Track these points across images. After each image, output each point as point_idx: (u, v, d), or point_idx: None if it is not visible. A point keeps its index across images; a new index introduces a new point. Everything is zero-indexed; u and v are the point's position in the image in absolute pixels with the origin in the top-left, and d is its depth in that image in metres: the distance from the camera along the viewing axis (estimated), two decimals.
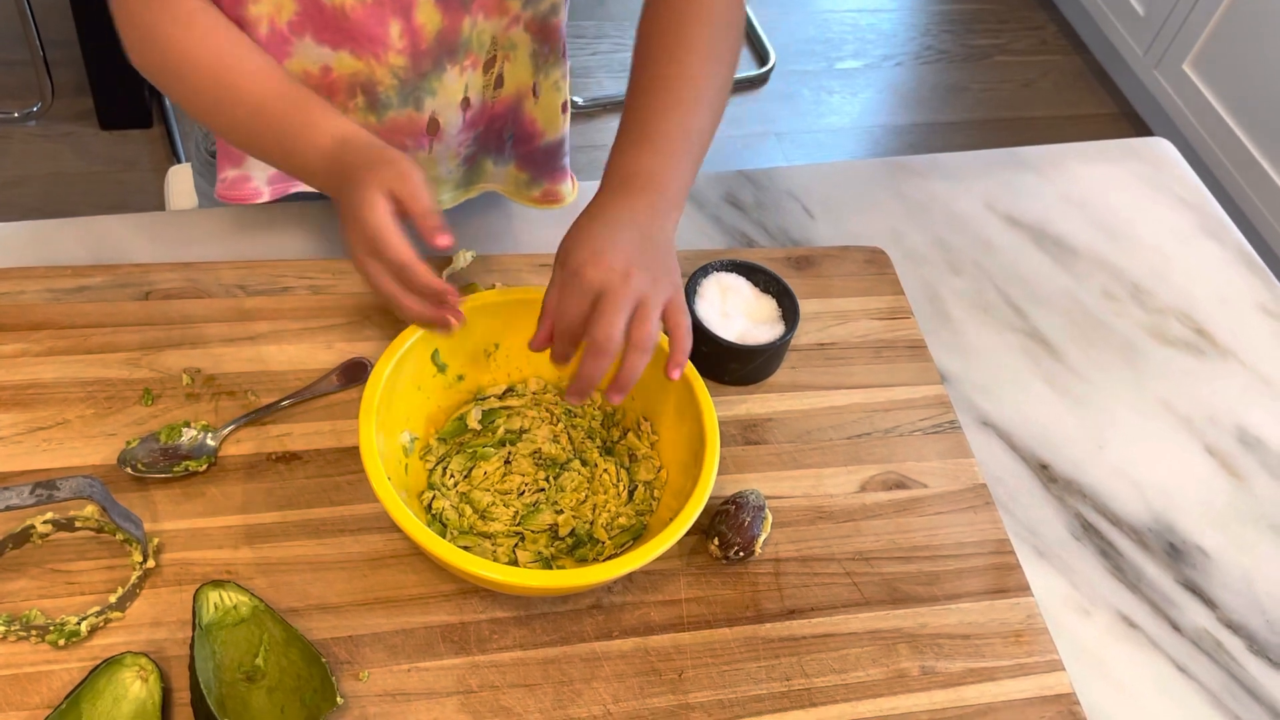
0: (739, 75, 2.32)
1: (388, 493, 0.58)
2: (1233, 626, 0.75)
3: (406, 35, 0.72)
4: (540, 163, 0.84)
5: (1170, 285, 0.96)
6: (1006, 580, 0.71)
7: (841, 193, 0.96)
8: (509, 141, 0.83)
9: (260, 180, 0.76)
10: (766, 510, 0.68)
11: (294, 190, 0.79)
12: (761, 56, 2.37)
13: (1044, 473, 0.81)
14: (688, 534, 0.67)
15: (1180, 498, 0.82)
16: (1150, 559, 0.78)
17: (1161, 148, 1.08)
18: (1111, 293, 0.94)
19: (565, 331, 0.61)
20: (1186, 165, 1.07)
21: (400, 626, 0.62)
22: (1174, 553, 0.79)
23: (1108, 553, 0.78)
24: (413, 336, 0.65)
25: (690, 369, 0.66)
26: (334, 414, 0.70)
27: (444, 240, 0.58)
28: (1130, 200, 1.02)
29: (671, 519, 0.61)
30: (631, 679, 0.63)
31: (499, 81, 0.79)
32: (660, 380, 0.67)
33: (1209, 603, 0.76)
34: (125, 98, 1.93)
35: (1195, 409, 0.87)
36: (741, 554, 0.67)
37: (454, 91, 0.77)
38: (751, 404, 0.76)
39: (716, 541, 0.67)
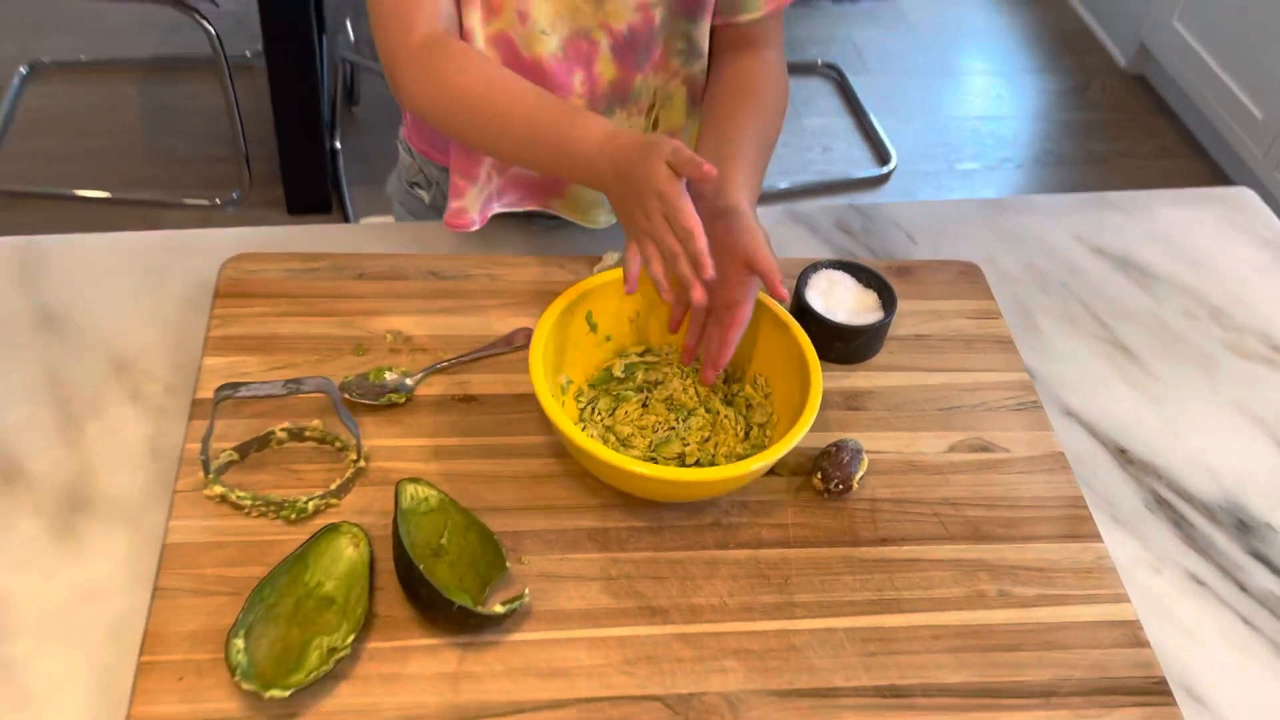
0: (860, 174, 2.47)
1: (553, 407, 0.72)
2: None
3: (586, 84, 0.89)
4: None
5: (1249, 309, 1.05)
6: (1079, 529, 0.81)
7: (940, 223, 1.09)
8: None
9: (474, 213, 0.93)
10: (864, 454, 0.80)
11: (492, 214, 0.96)
12: (883, 157, 2.52)
13: (1121, 455, 0.91)
14: (794, 474, 0.79)
15: (1251, 482, 0.90)
16: (1220, 531, 0.86)
17: (1244, 195, 1.18)
18: (1191, 313, 1.04)
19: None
20: (1270, 211, 1.17)
21: (555, 527, 0.76)
22: (1243, 528, 0.87)
23: (1179, 523, 0.86)
24: (571, 299, 0.80)
25: (799, 331, 0.80)
26: (504, 369, 0.85)
27: (714, 170, 0.72)
28: (1212, 238, 1.12)
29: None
30: (744, 580, 0.75)
31: (655, 124, 0.96)
32: (774, 343, 0.80)
33: (1276, 570, 0.84)
34: (310, 186, 2.19)
35: (1268, 411, 0.95)
36: (840, 487, 0.79)
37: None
38: (854, 379, 0.89)
39: (819, 476, 0.79)
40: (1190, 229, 1.13)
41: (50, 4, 2.54)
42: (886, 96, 2.74)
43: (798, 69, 2.72)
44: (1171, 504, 0.87)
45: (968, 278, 0.99)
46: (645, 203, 0.74)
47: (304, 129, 2.10)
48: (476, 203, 0.92)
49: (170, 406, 0.82)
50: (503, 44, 0.86)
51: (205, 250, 0.93)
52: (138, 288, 0.91)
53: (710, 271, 0.72)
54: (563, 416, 0.72)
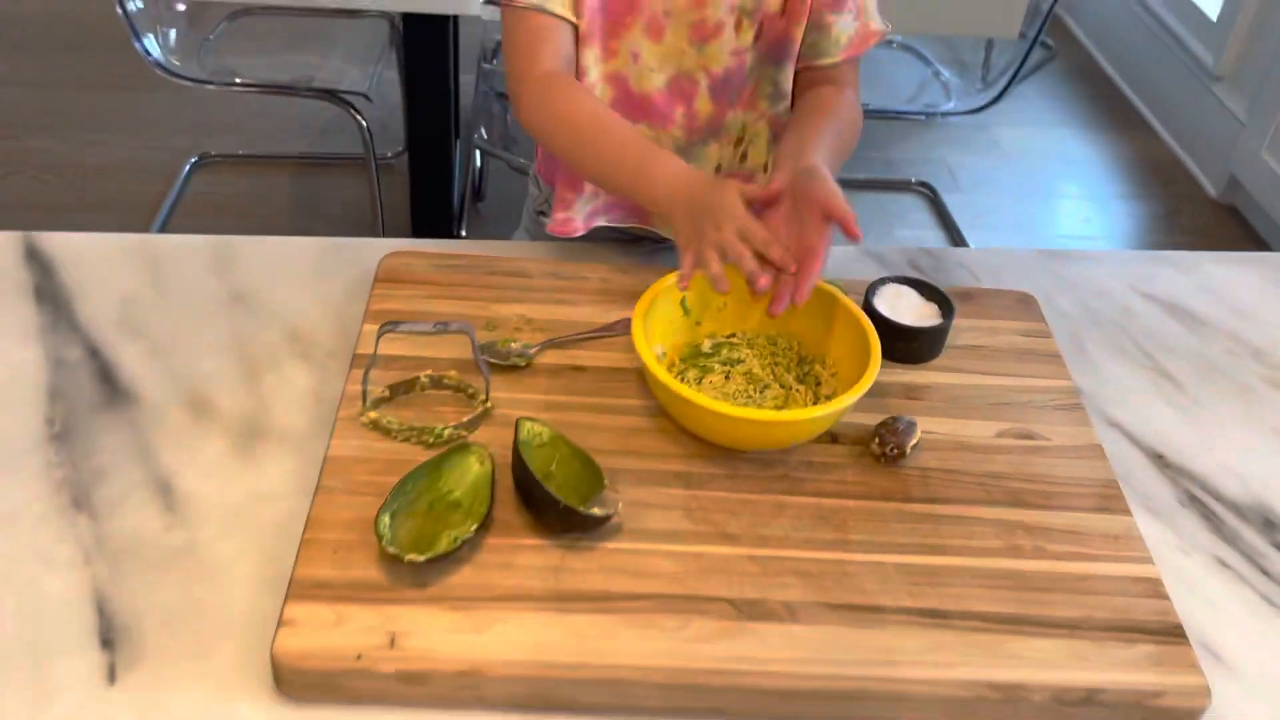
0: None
1: (651, 360, 0.86)
2: None
3: (686, 117, 1.06)
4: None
5: None
6: (1111, 504, 0.91)
7: (1003, 266, 1.21)
8: None
9: (578, 221, 1.10)
10: (917, 428, 0.92)
11: (595, 226, 1.12)
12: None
13: (1158, 460, 1.00)
14: (855, 443, 0.92)
15: None
16: (1246, 525, 0.95)
17: None
18: (1234, 351, 1.14)
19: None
20: None
21: (645, 468, 0.89)
22: (1270, 525, 0.95)
23: (1209, 517, 0.95)
24: (666, 283, 0.95)
25: (866, 322, 0.93)
26: (608, 348, 0.99)
27: (780, 187, 0.90)
28: (1258, 293, 1.23)
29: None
30: (807, 519, 0.86)
31: (743, 157, 1.12)
32: (844, 332, 0.94)
33: None
34: (437, 215, 2.38)
35: None
36: (895, 452, 0.90)
37: (711, 160, 1.11)
38: (913, 376, 1.01)
39: (877, 440, 0.91)
40: (1238, 285, 1.24)
41: (222, 106, 2.86)
42: (978, 215, 2.88)
43: (892, 185, 2.89)
44: (1202, 501, 0.97)
45: (1023, 304, 1.11)
46: (718, 221, 0.89)
47: (437, 221, 2.32)
48: (580, 214, 1.09)
49: (331, 366, 0.99)
50: (616, 80, 1.03)
51: (366, 251, 1.11)
52: (309, 278, 1.09)
53: (794, 267, 0.87)
54: (659, 367, 0.86)
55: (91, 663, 0.76)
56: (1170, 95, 3.27)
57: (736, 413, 0.85)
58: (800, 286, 0.90)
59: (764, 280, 0.87)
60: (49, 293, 1.04)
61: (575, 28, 1.01)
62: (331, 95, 2.24)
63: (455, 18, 2.20)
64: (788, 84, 1.07)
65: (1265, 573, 0.91)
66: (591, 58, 1.03)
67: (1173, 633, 0.81)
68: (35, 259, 1.08)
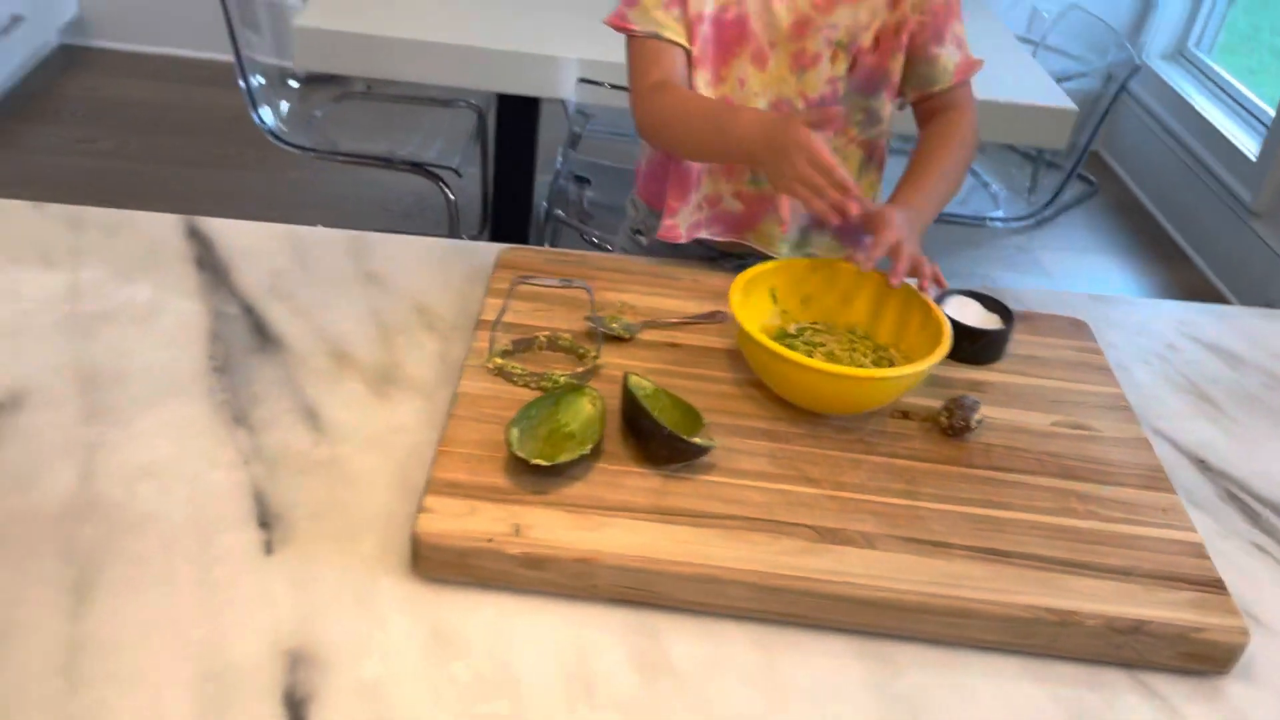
0: None
1: (749, 321, 0.98)
2: None
3: None
4: (851, 237, 1.27)
5: None
6: (1157, 484, 1.00)
7: (1056, 304, 1.32)
8: None
9: (682, 229, 1.24)
10: (981, 406, 1.02)
11: (696, 237, 1.26)
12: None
13: (1200, 464, 1.09)
14: (924, 420, 1.02)
15: None
16: None
17: None
18: (1269, 385, 1.24)
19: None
20: None
21: (737, 424, 0.99)
22: None
23: (1247, 511, 1.04)
24: (760, 272, 1.07)
25: (941, 316, 1.04)
26: (701, 332, 1.11)
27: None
28: None
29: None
30: (881, 474, 0.96)
31: None
32: (918, 323, 1.05)
33: None
34: (516, 225, 2.52)
35: None
36: (961, 424, 1.00)
37: None
38: (976, 375, 1.11)
39: (945, 414, 1.01)
40: (1273, 335, 1.34)
41: (312, 187, 3.06)
42: None
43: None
44: (1242, 499, 1.05)
45: (1075, 327, 1.22)
46: (791, 156, 1.03)
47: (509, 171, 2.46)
48: (685, 223, 1.22)
49: (453, 336, 1.11)
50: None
51: (484, 252, 1.24)
52: (434, 267, 1.22)
53: (855, 189, 1.00)
54: (756, 329, 0.98)
55: (251, 538, 0.86)
56: (1209, 230, 3.41)
57: (826, 367, 0.96)
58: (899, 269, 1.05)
59: (854, 207, 1.03)
60: (209, 262, 1.18)
61: (688, 52, 1.17)
62: (423, 169, 2.42)
63: (539, 105, 2.39)
64: (882, 111, 1.22)
65: None
66: (702, 81, 1.18)
67: (1214, 584, 0.89)
68: (195, 236, 1.22)
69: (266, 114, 2.39)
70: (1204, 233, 3.44)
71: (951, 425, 1.01)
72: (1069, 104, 2.24)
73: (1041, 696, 0.83)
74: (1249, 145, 3.32)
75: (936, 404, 1.04)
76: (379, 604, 0.82)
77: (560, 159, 2.43)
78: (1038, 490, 0.97)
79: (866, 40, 1.17)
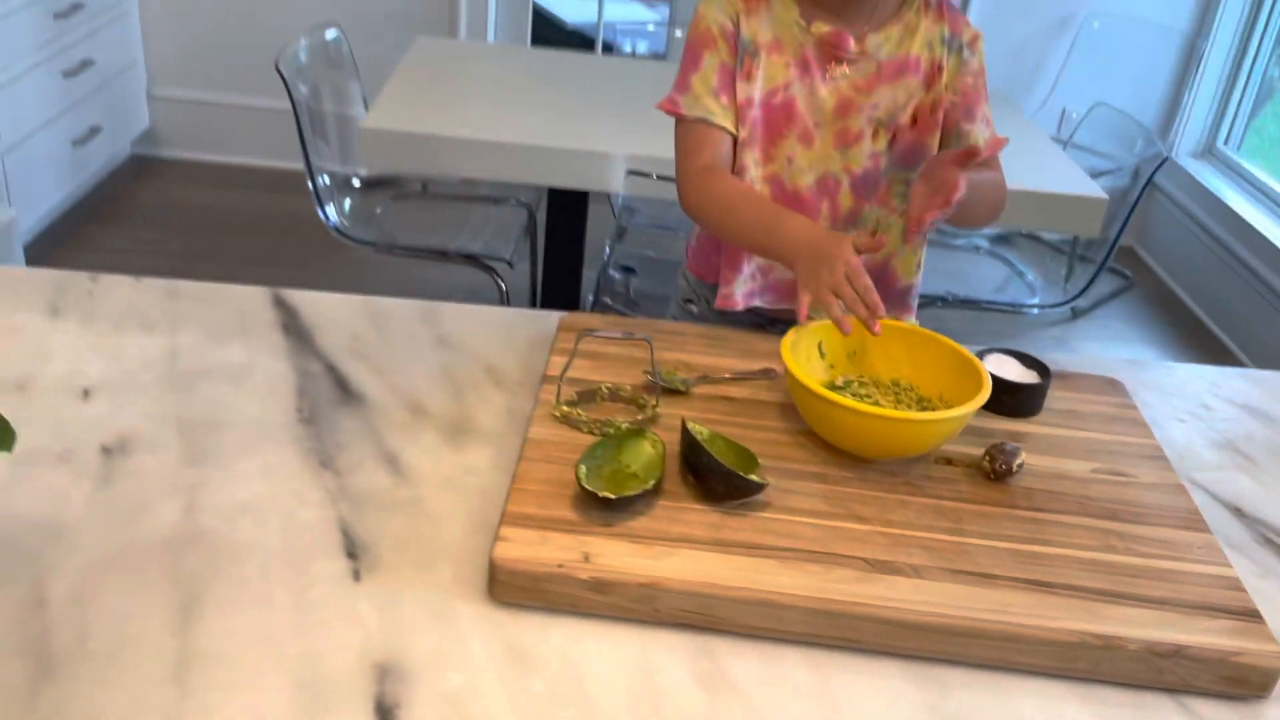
0: None
1: (800, 369, 1.05)
2: None
3: (830, 210, 1.29)
4: (894, 300, 1.35)
5: None
6: (1194, 525, 1.04)
7: (1091, 367, 1.38)
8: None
9: (738, 296, 1.32)
10: (1022, 452, 1.08)
11: (750, 305, 1.34)
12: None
13: (1236, 511, 1.14)
14: (967, 466, 1.07)
15: None
16: None
17: None
18: None
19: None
20: None
21: (789, 468, 1.05)
22: None
23: None
24: (810, 329, 1.14)
25: (980, 366, 1.11)
26: (752, 388, 1.18)
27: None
28: None
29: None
30: (928, 514, 1.01)
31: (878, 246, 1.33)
32: (959, 373, 1.12)
33: None
34: (564, 294, 2.62)
35: None
36: (1004, 468, 1.06)
37: None
38: (1016, 426, 1.17)
39: (987, 458, 1.07)
40: None
41: (367, 283, 3.19)
42: None
43: None
44: (1276, 543, 1.09)
45: (1111, 385, 1.28)
46: (834, 267, 1.11)
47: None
48: (740, 291, 1.30)
49: (519, 391, 1.19)
50: (773, 181, 1.27)
51: (548, 319, 1.33)
52: (500, 332, 1.31)
53: (883, 313, 1.08)
54: (807, 372, 1.05)
55: (340, 567, 0.93)
56: (1246, 321, 3.45)
57: (874, 410, 1.03)
58: (939, 206, 1.14)
59: (876, 327, 1.10)
60: (293, 328, 1.27)
61: (734, 138, 1.26)
62: (477, 260, 2.53)
63: (587, 199, 2.51)
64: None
65: None
66: (751, 160, 1.27)
67: (1250, 614, 0.93)
68: (281, 305, 1.31)
69: (331, 211, 2.53)
70: (1241, 324, 3.48)
71: (994, 469, 1.06)
72: (1099, 192, 2.32)
73: (1087, 717, 0.87)
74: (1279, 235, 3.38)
75: (978, 452, 1.10)
76: (459, 624, 0.88)
77: (608, 250, 2.54)
78: (1078, 529, 1.02)
79: (905, 118, 1.27)
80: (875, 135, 1.26)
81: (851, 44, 1.27)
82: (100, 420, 1.08)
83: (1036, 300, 2.76)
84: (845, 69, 1.28)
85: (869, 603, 0.90)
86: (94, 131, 3.40)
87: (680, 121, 1.29)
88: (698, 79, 1.27)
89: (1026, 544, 0.99)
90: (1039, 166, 2.43)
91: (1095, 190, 2.34)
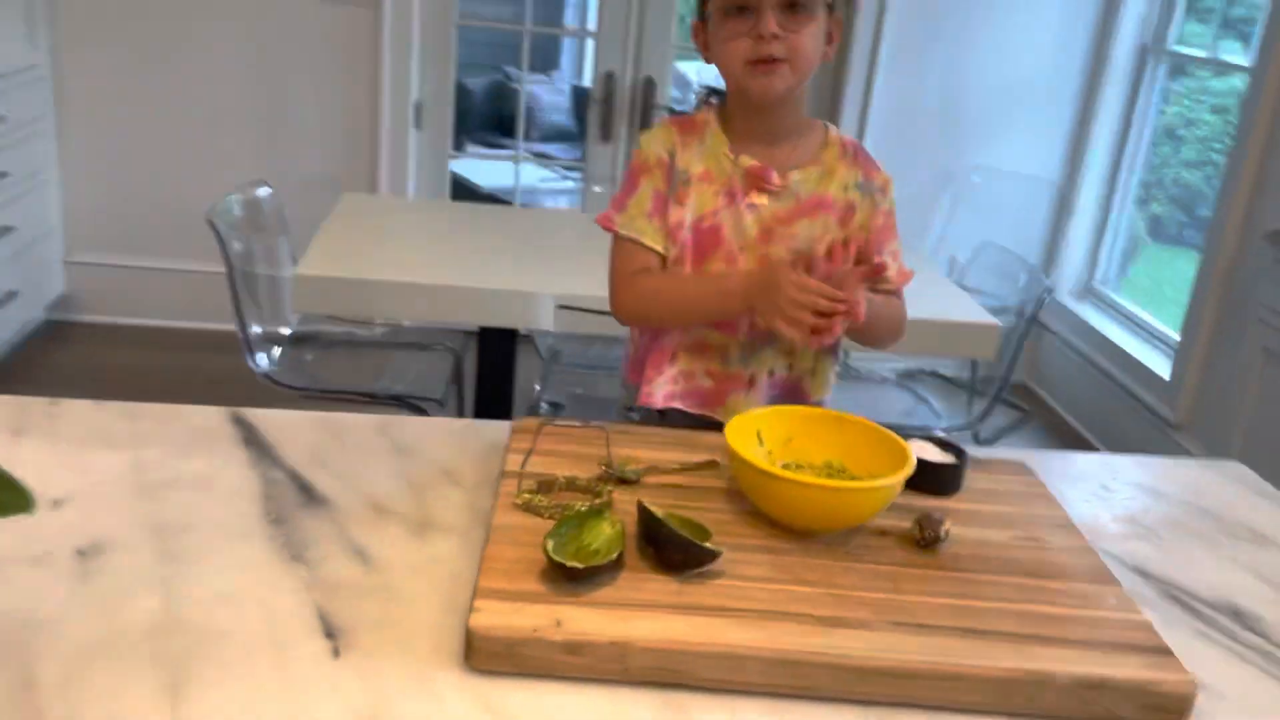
0: None
1: (745, 449, 1.14)
2: None
3: (749, 327, 1.41)
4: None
5: None
6: (1106, 579, 1.14)
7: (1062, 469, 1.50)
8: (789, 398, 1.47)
9: (657, 396, 1.42)
10: (947, 519, 1.17)
11: (670, 406, 1.44)
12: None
13: (1141, 572, 1.24)
14: (899, 536, 1.17)
15: None
16: (1219, 614, 1.18)
17: None
18: (1196, 516, 1.40)
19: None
20: None
21: (739, 543, 1.13)
22: (1237, 613, 1.18)
23: (1187, 608, 1.18)
24: (748, 420, 1.24)
25: (904, 446, 1.21)
26: (698, 477, 1.26)
27: (818, 254, 1.32)
28: (1218, 487, 1.51)
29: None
30: (869, 577, 1.09)
31: (790, 366, 1.45)
32: (885, 453, 1.22)
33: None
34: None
35: None
36: (932, 536, 1.15)
37: (765, 364, 1.44)
38: (939, 504, 1.27)
39: (917, 528, 1.16)
40: (1192, 478, 1.52)
41: None
42: None
43: None
44: (1182, 599, 1.20)
45: (1020, 468, 1.39)
46: (781, 286, 1.27)
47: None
48: (660, 391, 1.40)
49: (478, 490, 1.25)
50: None
51: (496, 428, 1.40)
52: (455, 438, 1.37)
53: (847, 298, 1.25)
54: (751, 454, 1.14)
55: (319, 646, 0.97)
56: (1136, 444, 3.66)
57: (814, 481, 1.12)
58: (854, 309, 1.27)
59: (859, 313, 1.28)
60: (254, 441, 1.32)
61: (663, 258, 1.40)
62: (406, 402, 2.60)
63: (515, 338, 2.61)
64: None
65: (1235, 638, 1.13)
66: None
67: (1164, 651, 1.03)
68: (240, 423, 1.37)
69: (261, 359, 2.58)
70: (1132, 447, 3.69)
71: (924, 537, 1.16)
72: (992, 319, 2.51)
73: None
74: (1162, 366, 3.63)
75: (908, 524, 1.19)
76: (438, 690, 0.93)
77: (537, 388, 2.63)
78: (1004, 586, 1.11)
79: (821, 249, 1.41)
80: (794, 264, 1.38)
81: (775, 178, 1.42)
82: (72, 526, 1.11)
83: (943, 424, 2.91)
84: (767, 200, 1.42)
85: (822, 651, 0.97)
86: (9, 296, 3.41)
87: (615, 238, 1.41)
88: (634, 202, 1.40)
89: (959, 599, 1.07)
90: (936, 298, 2.62)
91: (988, 318, 2.53)
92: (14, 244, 3.44)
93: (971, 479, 1.33)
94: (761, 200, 1.42)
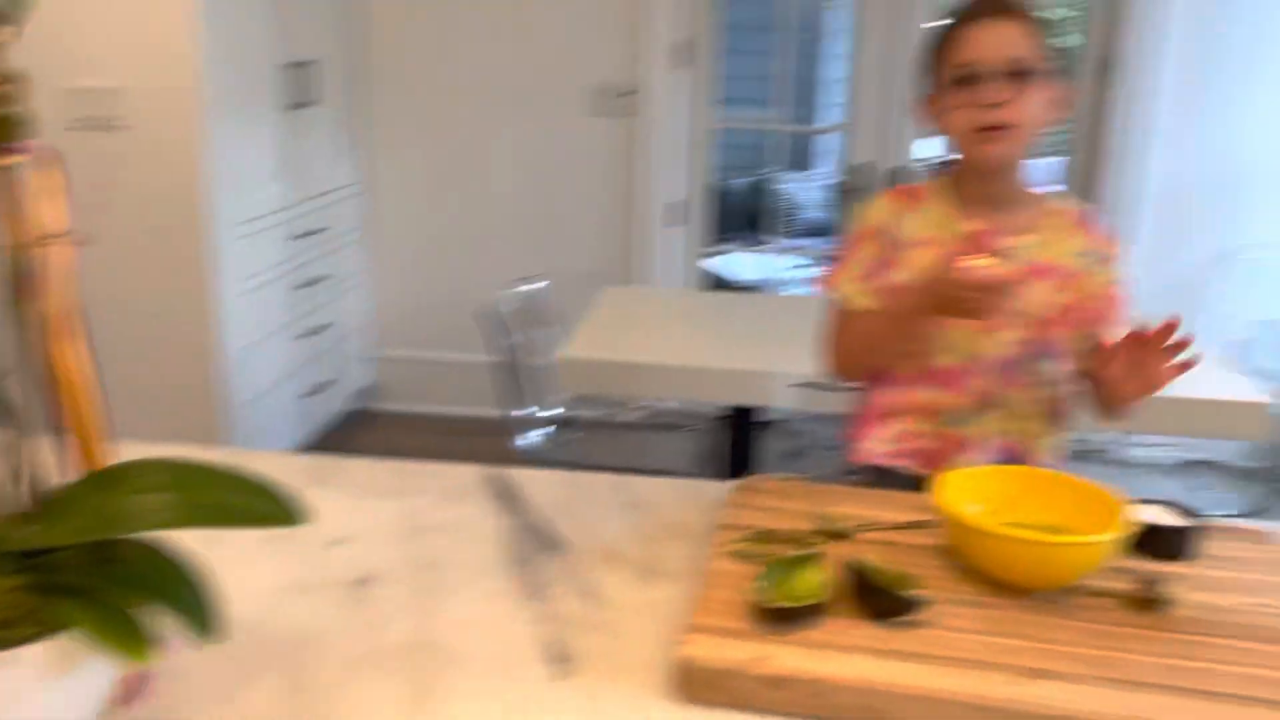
0: None
1: (959, 508, 1.16)
2: None
3: (967, 389, 1.43)
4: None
5: None
6: None
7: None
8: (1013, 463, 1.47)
9: (877, 452, 1.46)
10: (1173, 581, 1.14)
11: (891, 465, 1.47)
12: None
13: None
14: (1119, 596, 1.15)
15: None
16: None
17: None
18: None
19: None
20: None
21: (949, 597, 1.14)
22: None
23: None
24: (964, 474, 1.26)
25: (1123, 507, 1.20)
26: (913, 535, 1.29)
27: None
28: None
29: None
30: (1085, 635, 1.08)
31: (1018, 431, 1.45)
32: (1109, 516, 1.20)
33: None
34: None
35: None
36: (1156, 594, 1.12)
37: (991, 427, 1.44)
38: (1170, 568, 1.23)
39: (1141, 585, 1.13)
40: None
41: None
42: None
43: None
44: None
45: (1263, 536, 1.32)
46: (951, 291, 1.30)
47: None
48: (880, 450, 1.44)
49: (700, 543, 1.33)
50: None
51: (720, 488, 1.48)
52: (681, 495, 1.46)
53: (999, 284, 1.29)
54: (967, 515, 1.16)
55: (547, 671, 1.07)
56: None
57: (1029, 536, 1.13)
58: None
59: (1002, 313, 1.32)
60: (504, 494, 1.46)
61: None
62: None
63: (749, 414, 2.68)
64: (1056, 374, 1.44)
65: None
66: None
67: None
68: (494, 479, 1.51)
69: (530, 437, 2.78)
70: None
71: (1146, 596, 1.13)
72: (1261, 397, 2.36)
73: None
74: None
75: (1131, 587, 1.16)
76: (650, 715, 1.00)
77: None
78: (1233, 650, 1.06)
79: (1044, 315, 1.42)
80: (1014, 326, 1.40)
81: (996, 242, 1.45)
82: (350, 561, 1.27)
83: (1219, 511, 2.72)
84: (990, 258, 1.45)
85: (1026, 700, 0.97)
86: (326, 384, 3.83)
87: (829, 301, 1.48)
88: (851, 264, 1.47)
89: (1180, 660, 1.04)
90: (1204, 379, 2.48)
91: (1257, 395, 2.37)
92: (331, 338, 3.88)
93: (1208, 546, 1.28)
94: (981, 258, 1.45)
